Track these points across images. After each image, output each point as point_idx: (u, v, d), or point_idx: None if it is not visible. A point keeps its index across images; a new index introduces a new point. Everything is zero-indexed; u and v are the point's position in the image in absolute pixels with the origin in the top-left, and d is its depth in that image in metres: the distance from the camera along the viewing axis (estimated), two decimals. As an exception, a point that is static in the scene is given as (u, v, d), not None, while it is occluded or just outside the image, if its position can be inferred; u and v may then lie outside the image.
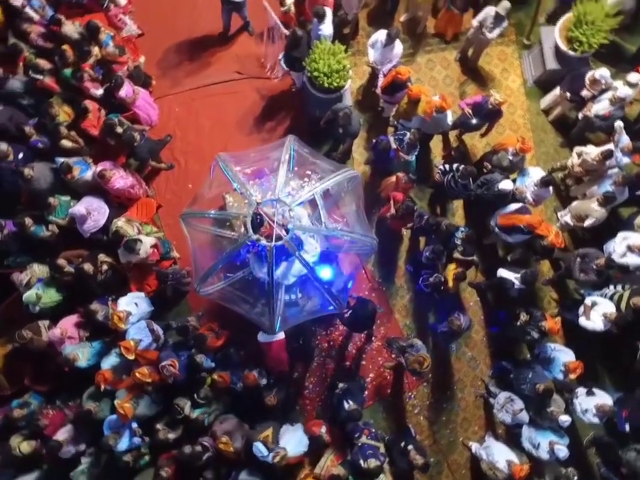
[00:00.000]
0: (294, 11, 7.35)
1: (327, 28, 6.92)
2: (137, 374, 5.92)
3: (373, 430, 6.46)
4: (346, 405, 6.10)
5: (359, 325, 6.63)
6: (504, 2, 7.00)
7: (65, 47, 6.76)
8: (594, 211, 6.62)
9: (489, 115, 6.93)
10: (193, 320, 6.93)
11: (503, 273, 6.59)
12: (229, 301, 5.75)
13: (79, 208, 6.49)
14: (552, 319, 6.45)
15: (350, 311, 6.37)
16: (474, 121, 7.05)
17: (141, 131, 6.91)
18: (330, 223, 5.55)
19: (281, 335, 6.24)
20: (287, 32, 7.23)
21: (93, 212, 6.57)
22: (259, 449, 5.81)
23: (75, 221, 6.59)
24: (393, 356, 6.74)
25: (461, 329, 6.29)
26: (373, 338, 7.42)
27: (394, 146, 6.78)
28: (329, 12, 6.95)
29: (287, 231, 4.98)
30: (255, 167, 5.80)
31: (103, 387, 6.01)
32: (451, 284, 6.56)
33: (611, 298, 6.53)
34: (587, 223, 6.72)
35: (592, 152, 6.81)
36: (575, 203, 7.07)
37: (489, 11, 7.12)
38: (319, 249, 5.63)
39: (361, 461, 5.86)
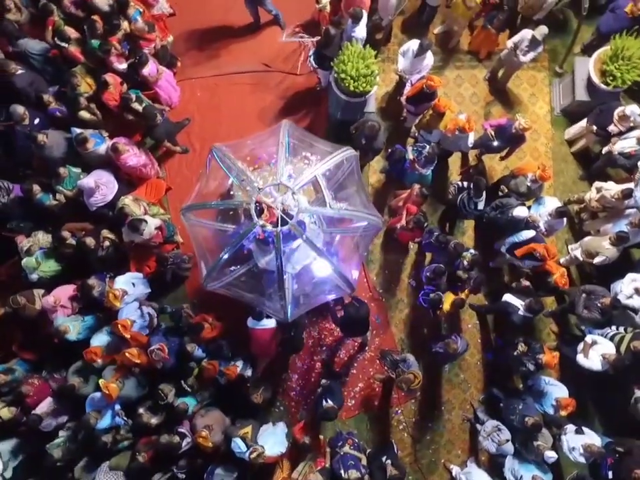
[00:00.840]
0: (329, 10, 7.26)
1: (360, 31, 6.82)
2: (127, 354, 5.89)
3: (356, 440, 6.40)
4: (324, 403, 6.03)
5: (352, 327, 6.51)
6: (542, 27, 6.88)
7: (96, 17, 6.70)
8: (605, 249, 6.52)
9: (511, 139, 6.82)
10: (187, 307, 6.89)
11: (508, 298, 6.48)
12: (236, 293, 5.66)
13: (88, 180, 6.45)
14: (550, 353, 6.34)
15: (343, 311, 6.28)
16: (495, 143, 6.94)
17: (160, 110, 6.84)
18: (334, 204, 5.39)
19: (272, 323, 6.17)
20: (312, 39, 7.21)
21: (101, 186, 6.51)
22: (238, 444, 5.82)
23: (83, 194, 6.54)
24: (385, 368, 6.66)
25: (457, 352, 6.22)
26: (367, 348, 7.35)
27: (411, 157, 6.69)
28: (365, 15, 6.87)
29: (290, 215, 4.87)
30: (253, 154, 5.69)
31: (98, 361, 6.01)
32: (446, 306, 6.42)
33: (612, 338, 6.42)
34: (597, 260, 6.62)
35: (612, 189, 6.71)
36: (587, 239, 6.97)
37: (526, 34, 7.00)
38: (322, 236, 5.55)
39: (342, 471, 5.78)
